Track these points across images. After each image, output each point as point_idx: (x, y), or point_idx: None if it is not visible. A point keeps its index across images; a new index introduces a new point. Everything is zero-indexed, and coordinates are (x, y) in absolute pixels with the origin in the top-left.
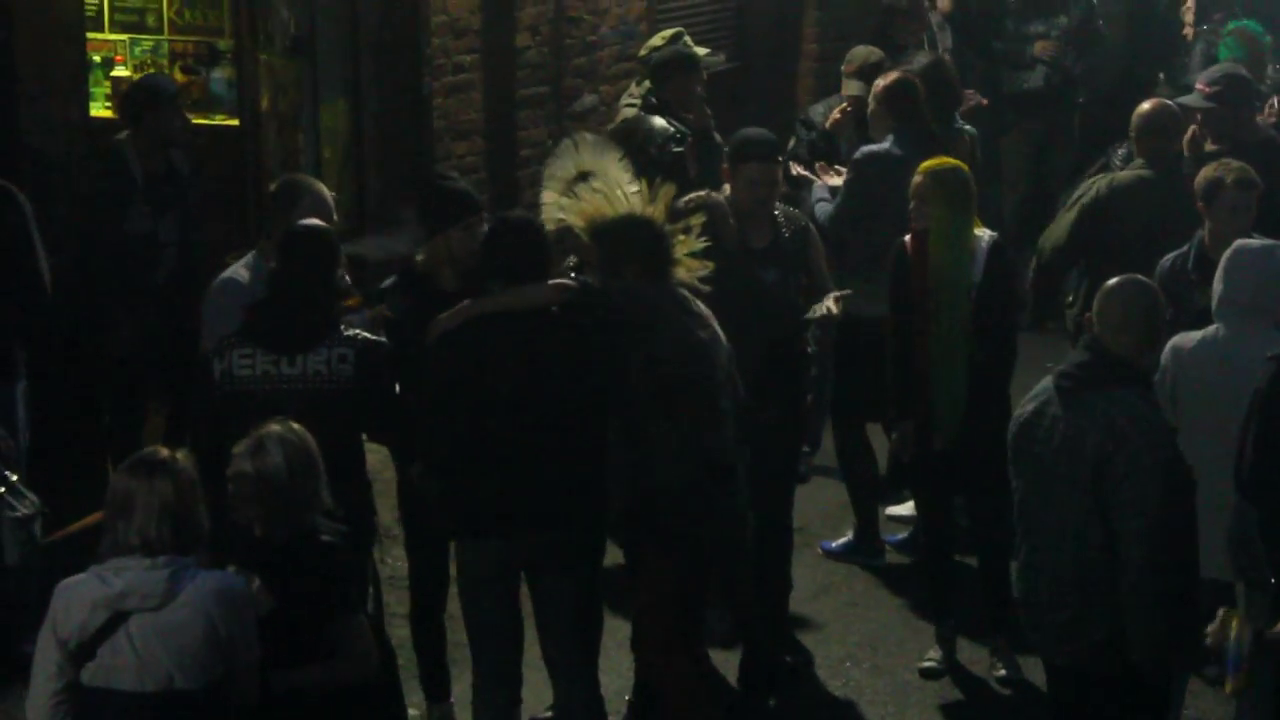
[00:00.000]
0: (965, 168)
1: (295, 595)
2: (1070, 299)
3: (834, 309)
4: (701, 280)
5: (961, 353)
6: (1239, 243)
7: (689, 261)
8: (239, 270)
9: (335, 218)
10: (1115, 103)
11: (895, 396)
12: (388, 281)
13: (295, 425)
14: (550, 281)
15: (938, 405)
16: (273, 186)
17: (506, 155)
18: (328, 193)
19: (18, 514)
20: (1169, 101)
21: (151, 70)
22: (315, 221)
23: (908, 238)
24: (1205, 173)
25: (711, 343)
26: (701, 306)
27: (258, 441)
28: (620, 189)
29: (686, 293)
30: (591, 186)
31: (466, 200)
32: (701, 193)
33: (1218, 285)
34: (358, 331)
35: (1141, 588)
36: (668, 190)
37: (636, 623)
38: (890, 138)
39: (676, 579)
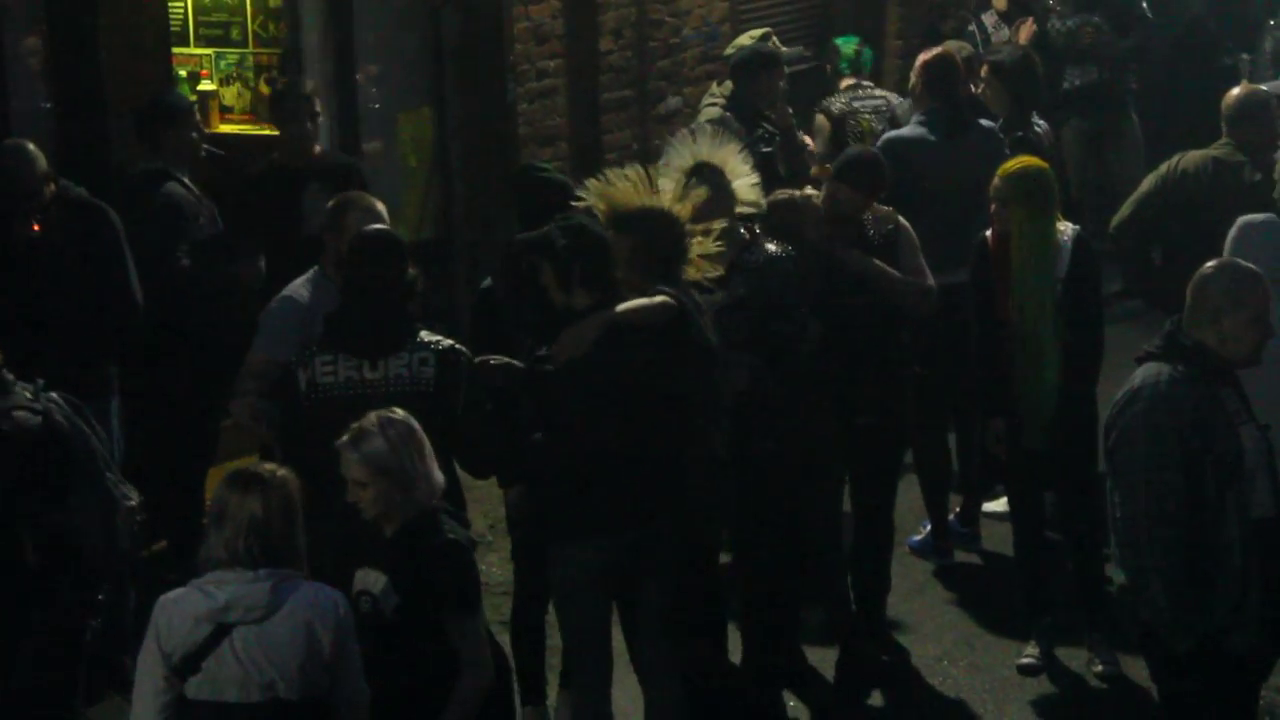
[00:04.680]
0: (1045, 166)
1: (418, 589)
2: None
3: None
4: (788, 283)
5: (1052, 353)
6: (1242, 220)
7: (700, 262)
8: (298, 288)
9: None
10: (1172, 89)
11: (982, 393)
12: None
13: (397, 410)
14: (654, 300)
15: (1025, 405)
16: (330, 204)
17: (592, 160)
18: (379, 204)
19: (131, 502)
20: (1261, 88)
21: (236, 84)
22: (380, 226)
23: (988, 233)
24: None
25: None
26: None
27: (358, 430)
28: (643, 182)
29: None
30: (624, 174)
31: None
32: (788, 191)
33: None
34: (439, 337)
35: None
36: (699, 194)
37: None
38: (917, 118)
39: None
